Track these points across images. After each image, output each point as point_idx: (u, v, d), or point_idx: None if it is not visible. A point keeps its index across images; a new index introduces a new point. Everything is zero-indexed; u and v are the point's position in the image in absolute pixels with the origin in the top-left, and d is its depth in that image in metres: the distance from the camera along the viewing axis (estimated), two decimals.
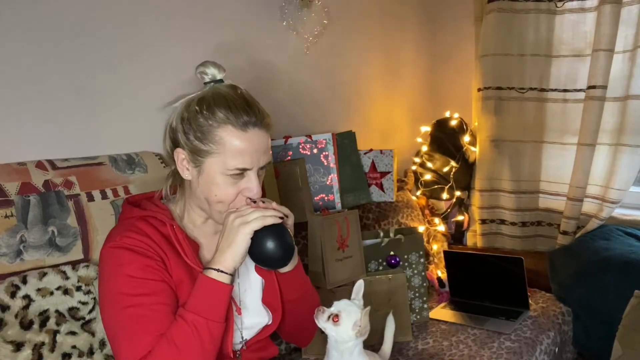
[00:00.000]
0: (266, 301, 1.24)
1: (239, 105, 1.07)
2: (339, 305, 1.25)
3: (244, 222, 1.04)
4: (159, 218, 1.12)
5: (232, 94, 1.09)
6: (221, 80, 1.13)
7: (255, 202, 1.11)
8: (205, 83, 1.12)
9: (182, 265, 1.11)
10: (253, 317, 1.22)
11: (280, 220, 1.10)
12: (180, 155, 1.10)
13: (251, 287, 1.25)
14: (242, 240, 1.04)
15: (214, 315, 1.03)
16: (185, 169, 1.11)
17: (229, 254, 1.05)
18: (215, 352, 1.05)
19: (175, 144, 1.11)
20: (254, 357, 1.23)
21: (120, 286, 1.04)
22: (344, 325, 1.22)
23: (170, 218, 1.13)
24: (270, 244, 1.07)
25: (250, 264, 1.24)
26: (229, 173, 1.07)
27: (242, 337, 1.20)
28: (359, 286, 1.30)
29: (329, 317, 1.23)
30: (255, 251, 1.09)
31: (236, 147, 1.06)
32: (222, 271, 1.04)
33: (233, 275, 1.06)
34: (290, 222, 1.15)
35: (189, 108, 1.08)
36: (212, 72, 1.12)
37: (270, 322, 1.24)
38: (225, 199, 1.09)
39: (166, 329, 1.03)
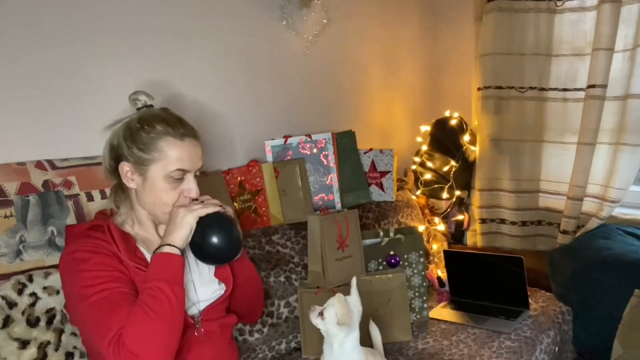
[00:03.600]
0: (218, 275, 1.39)
1: (174, 121, 1.25)
2: (328, 302, 1.36)
3: (188, 211, 1.20)
4: (98, 224, 1.26)
5: (165, 113, 1.27)
6: (151, 106, 1.30)
7: (196, 200, 1.27)
8: (138, 108, 1.29)
9: (133, 257, 1.24)
10: (208, 292, 1.36)
11: (221, 209, 1.26)
12: (125, 167, 1.24)
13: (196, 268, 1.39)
14: (186, 223, 1.19)
15: (173, 279, 1.15)
16: (130, 179, 1.25)
17: (175, 234, 1.19)
18: (182, 314, 1.16)
19: (118, 159, 1.25)
20: (214, 324, 1.34)
21: (81, 282, 1.14)
22: (328, 318, 1.33)
23: (107, 221, 1.26)
24: (217, 234, 1.22)
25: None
26: (171, 176, 1.23)
27: (199, 310, 1.33)
28: (353, 282, 1.42)
29: (318, 313, 1.35)
30: (204, 246, 1.22)
31: (176, 153, 1.23)
32: (172, 245, 1.18)
33: (182, 250, 1.19)
34: (229, 211, 1.30)
35: (129, 126, 1.24)
36: (143, 99, 1.29)
37: (223, 293, 1.38)
38: (169, 201, 1.25)
39: (129, 306, 1.12)
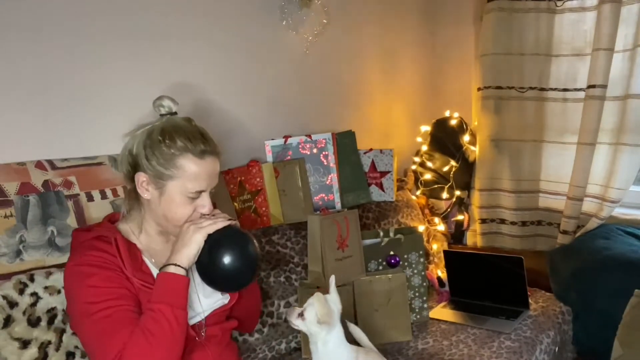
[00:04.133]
0: None
1: (196, 136, 1.23)
2: (307, 302, 1.34)
3: (197, 227, 1.19)
4: (105, 235, 1.23)
5: (188, 126, 1.24)
6: (175, 113, 1.27)
7: (207, 215, 1.26)
8: (162, 115, 1.26)
9: (139, 271, 1.23)
10: (211, 301, 1.34)
11: (232, 222, 1.24)
12: (142, 178, 1.22)
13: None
14: (195, 241, 1.18)
15: (176, 302, 1.14)
16: (145, 190, 1.24)
17: (183, 252, 1.17)
18: (183, 338, 1.16)
19: (135, 168, 1.24)
20: (215, 328, 1.34)
21: (85, 297, 1.14)
22: (309, 319, 1.32)
23: (114, 232, 1.24)
24: (228, 252, 1.19)
25: None
26: (188, 194, 1.22)
27: (202, 318, 1.31)
28: (331, 280, 1.40)
29: (298, 314, 1.34)
30: (211, 267, 1.19)
31: (194, 172, 1.21)
32: (178, 265, 1.16)
33: (187, 270, 1.18)
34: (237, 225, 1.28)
35: (151, 137, 1.22)
36: (167, 105, 1.26)
37: (227, 302, 1.37)
38: (183, 216, 1.24)
39: (132, 326, 1.12)
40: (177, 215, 1.23)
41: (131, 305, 1.16)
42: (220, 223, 1.21)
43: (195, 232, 1.18)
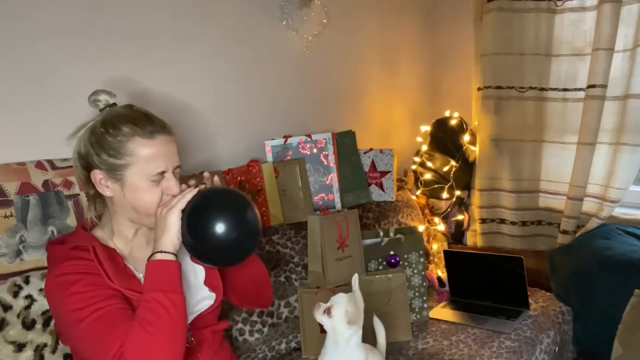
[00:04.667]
0: (208, 283, 1.31)
1: (140, 118, 1.16)
2: (332, 299, 1.35)
3: (168, 209, 1.12)
4: (82, 245, 1.16)
5: (130, 112, 1.18)
6: (115, 104, 1.21)
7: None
8: (101, 110, 1.21)
9: (124, 277, 1.17)
10: (195, 302, 1.27)
11: (202, 186, 1.15)
12: (98, 175, 1.17)
13: (194, 269, 1.31)
14: (170, 223, 1.11)
15: (170, 287, 1.08)
16: (105, 187, 1.17)
17: (165, 238, 1.11)
18: (185, 322, 1.10)
19: (89, 167, 1.18)
20: (205, 331, 1.29)
21: (72, 305, 1.07)
22: (337, 316, 1.31)
23: (92, 242, 1.17)
24: (208, 221, 1.07)
25: (185, 254, 1.23)
26: (150, 178, 1.15)
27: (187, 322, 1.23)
28: (355, 279, 1.41)
29: (324, 311, 1.33)
30: (198, 244, 1.09)
31: (148, 154, 1.14)
32: (164, 252, 1.10)
33: (176, 254, 1.11)
34: (216, 180, 1.21)
35: (94, 132, 1.16)
36: (104, 98, 1.20)
37: (213, 303, 1.30)
38: (152, 203, 1.16)
39: (127, 323, 1.06)
40: (145, 203, 1.16)
41: (122, 304, 1.11)
42: (189, 194, 1.13)
43: (168, 214, 1.11)
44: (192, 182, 1.19)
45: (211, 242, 1.09)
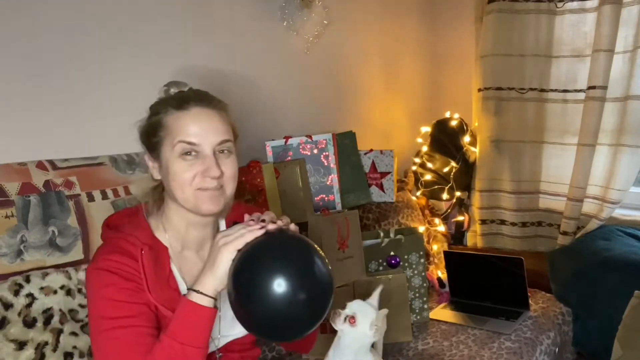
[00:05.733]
0: None
1: (185, 94, 1.08)
2: (353, 307, 1.25)
3: (226, 241, 0.98)
4: (131, 242, 1.08)
5: (178, 93, 1.10)
6: (182, 92, 1.13)
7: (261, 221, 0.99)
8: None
9: (164, 288, 1.09)
10: (234, 327, 1.13)
11: (273, 226, 0.94)
12: (147, 158, 1.13)
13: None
14: (222, 259, 0.97)
15: (191, 340, 0.98)
16: (153, 168, 1.12)
17: (210, 275, 0.99)
18: None
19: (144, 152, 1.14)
20: (235, 356, 1.20)
21: (99, 309, 1.02)
22: (361, 326, 1.23)
23: (145, 239, 1.09)
24: (260, 280, 0.81)
25: None
26: (179, 151, 1.04)
27: (216, 346, 1.14)
28: (378, 290, 1.31)
29: (345, 318, 1.23)
30: (241, 306, 0.87)
31: (181, 125, 1.05)
32: (202, 293, 0.99)
33: (216, 299, 1.00)
34: (293, 227, 1.03)
35: (144, 118, 1.13)
36: (173, 89, 1.13)
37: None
38: (183, 180, 1.04)
39: (143, 351, 1.00)
40: (177, 182, 1.05)
41: (145, 326, 1.02)
42: (251, 234, 0.94)
43: (222, 248, 0.96)
44: (267, 216, 1.01)
45: (252, 311, 0.86)
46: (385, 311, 1.25)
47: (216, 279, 0.98)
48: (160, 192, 1.16)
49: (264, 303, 0.82)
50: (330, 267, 0.91)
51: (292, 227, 1.02)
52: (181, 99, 1.07)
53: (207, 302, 0.98)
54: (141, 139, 1.13)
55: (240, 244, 0.95)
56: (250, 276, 0.85)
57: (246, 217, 1.03)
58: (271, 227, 0.96)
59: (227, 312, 1.07)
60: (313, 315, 0.86)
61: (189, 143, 1.04)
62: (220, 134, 1.07)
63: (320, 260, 0.87)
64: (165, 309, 1.04)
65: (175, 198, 1.08)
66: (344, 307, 1.26)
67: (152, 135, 1.08)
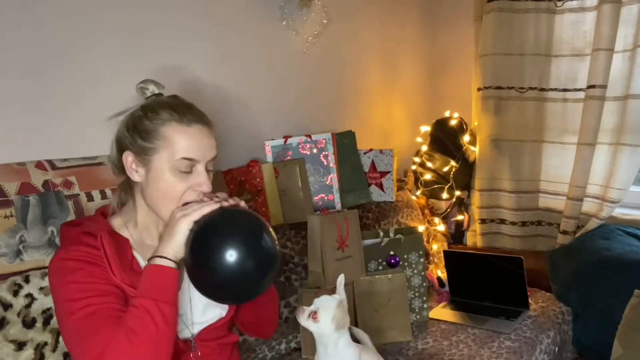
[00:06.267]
0: None
1: (181, 107, 1.12)
2: (317, 303, 1.30)
3: (184, 213, 1.04)
4: (92, 231, 1.11)
5: (172, 100, 1.15)
6: (161, 94, 1.18)
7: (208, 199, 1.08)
8: (147, 98, 1.17)
9: (128, 271, 1.11)
10: (205, 314, 1.20)
11: (227, 203, 1.04)
12: (129, 157, 1.12)
13: None
14: (180, 229, 1.03)
15: (162, 296, 1.01)
16: (134, 171, 1.13)
17: (168, 242, 1.04)
18: (172, 335, 1.03)
19: (122, 149, 1.14)
20: (212, 344, 1.22)
21: (68, 294, 1.03)
22: (323, 321, 1.27)
23: (103, 229, 1.12)
24: (215, 246, 0.95)
25: None
26: (177, 166, 1.08)
27: (192, 334, 1.18)
28: (340, 280, 1.35)
29: (309, 315, 1.28)
30: (195, 269, 0.99)
31: (182, 141, 1.09)
32: (164, 257, 1.03)
33: (177, 263, 1.05)
34: (243, 205, 1.11)
35: (133, 115, 1.13)
36: (152, 88, 1.17)
37: (225, 314, 1.22)
38: (174, 194, 1.09)
39: (114, 328, 1.01)
40: (167, 195, 1.09)
41: (117, 303, 1.04)
42: (208, 207, 1.04)
43: (180, 220, 1.03)
44: (221, 195, 1.12)
45: (206, 272, 0.98)
46: (339, 301, 1.28)
47: (175, 246, 1.03)
48: (128, 192, 1.19)
49: (218, 268, 0.95)
50: (276, 240, 1.04)
51: (242, 204, 1.11)
52: (181, 112, 1.11)
53: (170, 264, 1.03)
54: (125, 137, 1.13)
55: (197, 215, 1.03)
56: (206, 244, 0.97)
57: (200, 195, 1.10)
58: (225, 203, 1.06)
59: (199, 300, 1.15)
60: (259, 280, 1.00)
61: (191, 160, 1.09)
62: (214, 150, 1.14)
63: (267, 233, 1.01)
64: (131, 289, 1.06)
65: (156, 206, 1.12)
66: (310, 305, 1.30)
67: (144, 139, 1.10)
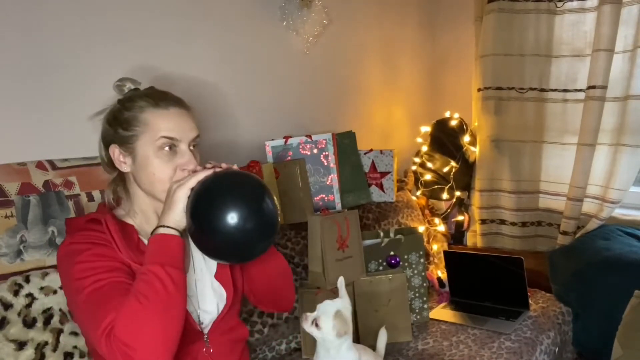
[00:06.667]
0: (219, 278, 1.26)
1: (157, 93, 1.18)
2: (320, 309, 1.31)
3: (180, 183, 1.08)
4: (95, 217, 1.16)
5: (149, 90, 1.20)
6: (137, 89, 1.23)
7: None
8: (124, 94, 1.21)
9: (135, 250, 1.15)
10: (207, 303, 1.23)
11: (219, 168, 1.09)
12: (115, 150, 1.16)
13: (201, 269, 1.26)
14: (179, 198, 1.06)
15: (169, 261, 1.03)
16: (122, 162, 1.17)
17: (169, 212, 1.07)
18: (182, 301, 1.04)
19: (108, 145, 1.18)
20: (223, 339, 1.25)
21: (76, 273, 1.06)
22: (325, 328, 1.29)
23: (104, 213, 1.17)
24: (215, 206, 0.99)
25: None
26: (159, 146, 1.13)
27: (200, 321, 1.21)
28: (340, 282, 1.37)
29: (312, 321, 1.30)
30: (198, 230, 1.02)
31: (160, 123, 1.13)
32: (166, 226, 1.06)
33: (180, 231, 1.07)
34: (235, 167, 1.16)
35: (112, 110, 1.18)
36: (128, 85, 1.22)
37: (222, 306, 1.25)
38: (164, 177, 1.13)
39: (124, 297, 1.03)
40: (156, 177, 1.13)
41: (124, 277, 1.07)
42: (202, 173, 1.08)
43: (177, 189, 1.07)
44: (213, 162, 1.15)
45: (209, 232, 1.02)
46: (336, 312, 1.28)
47: (176, 215, 1.06)
48: (122, 186, 1.22)
49: (220, 230, 0.99)
50: (274, 198, 1.07)
51: (235, 167, 1.15)
52: (157, 98, 1.16)
53: (173, 232, 1.06)
54: (108, 132, 1.17)
55: (193, 182, 1.07)
56: (204, 204, 1.01)
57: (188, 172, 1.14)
58: (218, 169, 1.10)
59: (203, 289, 1.22)
60: (260, 238, 1.04)
61: (171, 138, 1.13)
62: (194, 130, 1.18)
63: (266, 193, 1.05)
64: (138, 266, 1.09)
65: (152, 191, 1.16)
66: (314, 311, 1.31)
67: (125, 129, 1.14)
